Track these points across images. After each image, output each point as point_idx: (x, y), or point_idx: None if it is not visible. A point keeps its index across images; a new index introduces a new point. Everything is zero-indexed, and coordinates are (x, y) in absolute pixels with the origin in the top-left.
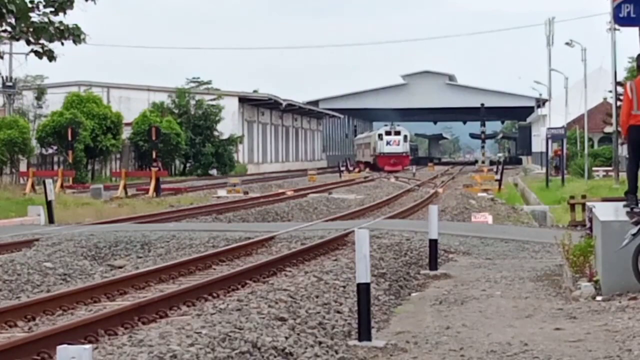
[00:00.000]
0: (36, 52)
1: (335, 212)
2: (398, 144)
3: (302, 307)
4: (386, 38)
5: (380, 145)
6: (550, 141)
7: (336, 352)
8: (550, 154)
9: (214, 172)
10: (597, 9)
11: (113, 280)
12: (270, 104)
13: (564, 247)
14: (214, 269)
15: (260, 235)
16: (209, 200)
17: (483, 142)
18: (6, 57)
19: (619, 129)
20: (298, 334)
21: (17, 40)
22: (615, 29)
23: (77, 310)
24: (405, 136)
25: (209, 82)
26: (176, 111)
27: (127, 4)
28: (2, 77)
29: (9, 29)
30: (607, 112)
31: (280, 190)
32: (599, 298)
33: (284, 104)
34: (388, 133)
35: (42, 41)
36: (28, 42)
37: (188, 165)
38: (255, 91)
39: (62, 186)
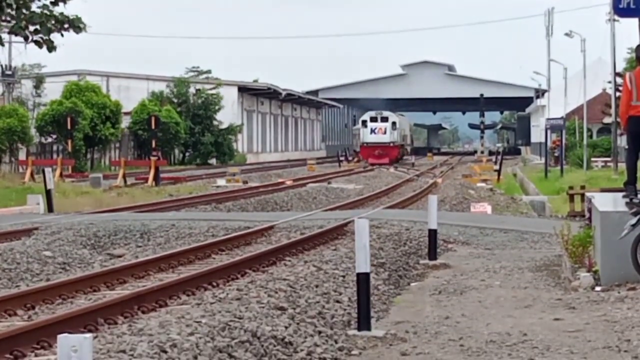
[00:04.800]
0: (36, 42)
1: (334, 201)
2: (384, 132)
3: (301, 297)
4: (385, 28)
5: (363, 134)
6: (549, 132)
7: (336, 341)
8: (550, 144)
9: (213, 161)
10: None
11: (112, 269)
12: (269, 94)
13: (563, 238)
14: (214, 258)
15: (259, 224)
16: (208, 190)
17: (482, 132)
18: (5, 45)
19: (618, 119)
20: (298, 324)
21: (17, 35)
22: (614, 20)
23: (77, 299)
24: (394, 123)
25: (208, 72)
26: (175, 100)
27: None
28: (2, 66)
29: (8, 18)
30: (606, 102)
31: (280, 180)
32: (598, 288)
33: (284, 93)
34: (373, 119)
35: (41, 33)
36: (26, 38)
37: (187, 154)
38: (254, 81)
39: (61, 175)
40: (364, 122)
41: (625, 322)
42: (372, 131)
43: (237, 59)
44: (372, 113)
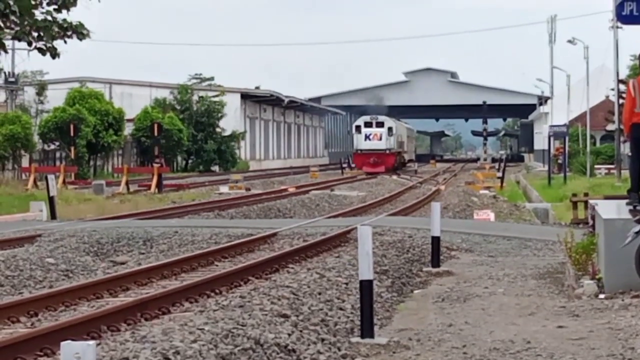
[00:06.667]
0: (39, 49)
1: (337, 208)
2: (380, 139)
3: (304, 304)
4: (388, 35)
5: (357, 140)
6: (552, 139)
7: (339, 349)
8: (553, 151)
9: (216, 168)
10: (599, 6)
11: (115, 276)
12: (272, 101)
13: (567, 245)
14: (217, 265)
15: (262, 231)
16: (211, 197)
17: (485, 139)
18: (8, 52)
19: (621, 126)
20: (301, 331)
21: (20, 41)
22: (617, 27)
23: (80, 306)
24: (390, 128)
25: (211, 79)
26: (178, 107)
27: (130, 0)
28: (5, 73)
29: (12, 25)
30: (609, 109)
31: (282, 187)
32: (601, 296)
33: (286, 100)
34: (368, 125)
35: (45, 39)
36: (30, 44)
37: (190, 161)
38: (257, 87)
39: (64, 182)
40: (358, 128)
41: (629, 330)
42: (367, 137)
43: (239, 65)
44: (367, 118)
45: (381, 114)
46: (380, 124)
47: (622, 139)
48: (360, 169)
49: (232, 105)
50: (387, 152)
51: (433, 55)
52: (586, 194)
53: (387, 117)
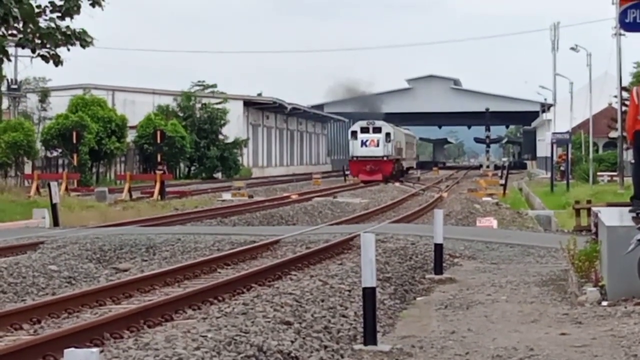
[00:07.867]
0: (43, 57)
1: (340, 216)
2: (377, 145)
3: (307, 311)
4: (391, 42)
5: (353, 146)
6: (555, 146)
7: (342, 356)
8: (556, 158)
9: (218, 175)
10: (602, 14)
11: (118, 283)
12: (275, 108)
13: (569, 252)
14: (219, 272)
15: (265, 238)
16: (214, 204)
17: (488, 146)
18: (11, 59)
19: (624, 134)
20: (304, 338)
21: (23, 48)
22: (620, 34)
23: (83, 314)
24: (388, 134)
25: (214, 86)
26: (181, 114)
27: (132, 8)
28: (7, 80)
29: (15, 32)
30: (612, 117)
31: (285, 194)
32: (604, 303)
33: (289, 107)
34: (364, 130)
35: (48, 46)
36: (33, 51)
37: (193, 168)
38: (260, 94)
39: (66, 189)
40: (354, 134)
41: (632, 337)
42: (363, 143)
43: (241, 72)
44: (363, 123)
45: (377, 120)
46: (377, 130)
47: (625, 146)
48: (356, 176)
49: (235, 112)
50: (385, 159)
51: (436, 63)
52: (589, 201)
53: (385, 122)
